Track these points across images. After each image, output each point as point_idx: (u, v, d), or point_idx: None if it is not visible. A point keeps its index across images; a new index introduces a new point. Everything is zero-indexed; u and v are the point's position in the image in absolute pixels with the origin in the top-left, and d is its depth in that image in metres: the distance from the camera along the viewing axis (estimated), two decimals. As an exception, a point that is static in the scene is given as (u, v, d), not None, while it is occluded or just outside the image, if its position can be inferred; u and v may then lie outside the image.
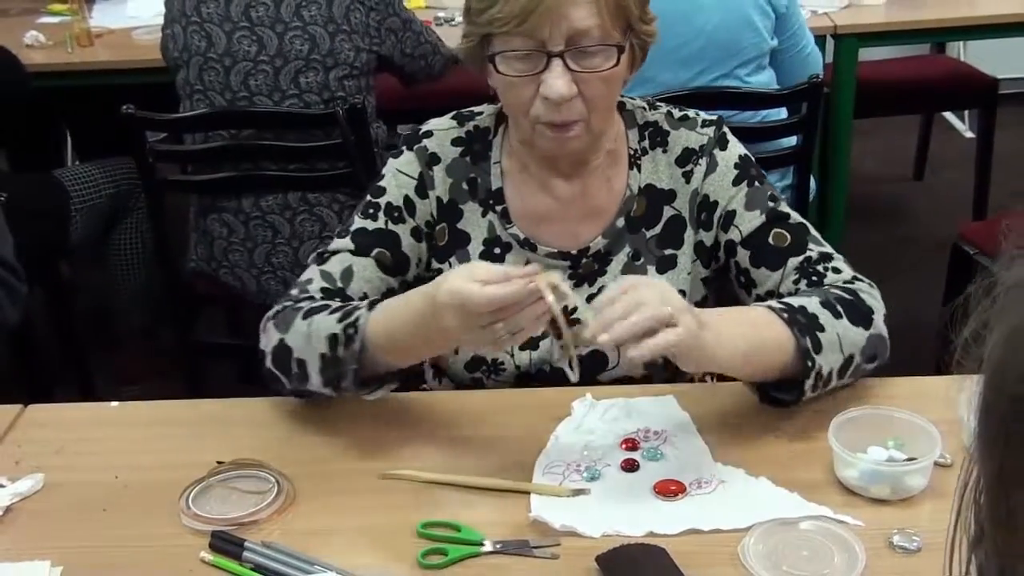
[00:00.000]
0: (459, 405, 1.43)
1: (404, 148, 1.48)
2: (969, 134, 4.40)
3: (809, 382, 1.29)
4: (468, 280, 1.17)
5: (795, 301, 1.32)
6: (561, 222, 1.46)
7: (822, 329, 1.29)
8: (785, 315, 1.29)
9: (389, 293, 1.44)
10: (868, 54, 3.22)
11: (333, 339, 1.30)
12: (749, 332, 1.27)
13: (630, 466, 1.28)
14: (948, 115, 4.60)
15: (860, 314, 1.34)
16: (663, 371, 1.44)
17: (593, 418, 1.36)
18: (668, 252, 1.46)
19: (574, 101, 1.32)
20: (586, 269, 1.46)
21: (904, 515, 1.18)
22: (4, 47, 2.83)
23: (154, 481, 1.28)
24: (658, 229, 1.46)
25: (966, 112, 4.48)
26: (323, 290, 1.42)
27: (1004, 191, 3.54)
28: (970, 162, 3.61)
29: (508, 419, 1.38)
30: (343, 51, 2.36)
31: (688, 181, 1.45)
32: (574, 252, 1.46)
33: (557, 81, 1.29)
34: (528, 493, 1.23)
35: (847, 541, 1.14)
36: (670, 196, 1.46)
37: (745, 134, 2.32)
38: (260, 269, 2.44)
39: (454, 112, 1.50)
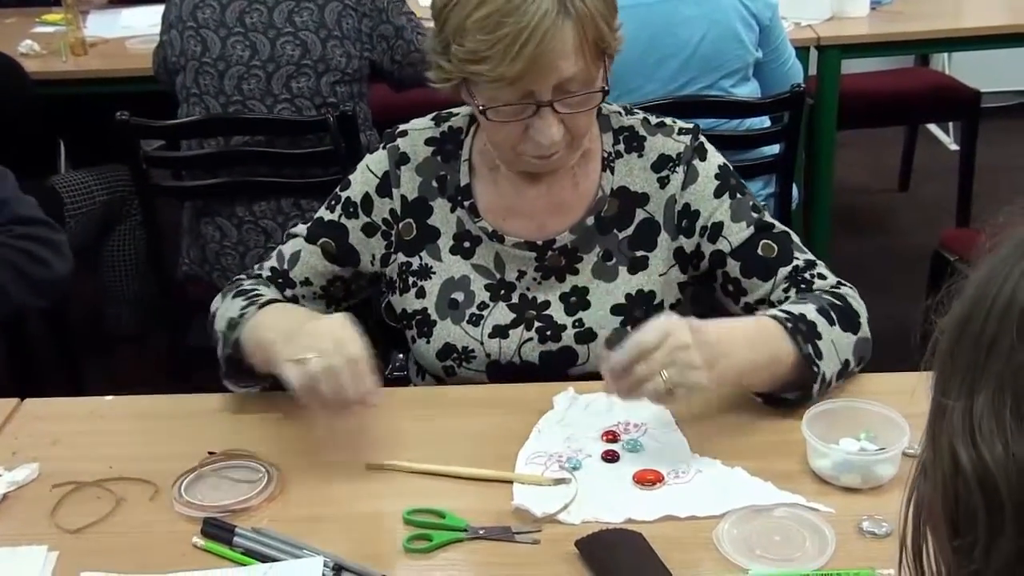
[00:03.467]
0: (443, 399, 1.48)
1: (381, 146, 1.55)
2: (954, 146, 4.45)
3: (816, 386, 1.35)
4: (341, 372, 1.24)
5: (795, 309, 1.38)
6: (527, 216, 1.51)
7: (820, 337, 1.36)
8: (789, 324, 1.35)
9: (336, 280, 1.55)
10: (852, 66, 3.27)
11: (230, 323, 1.43)
12: (755, 351, 1.33)
13: (610, 457, 1.32)
14: (933, 127, 4.65)
15: (849, 320, 1.41)
16: None
17: (575, 411, 1.39)
18: (640, 254, 1.50)
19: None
20: (552, 262, 1.50)
21: (874, 502, 1.22)
22: (6, 54, 2.86)
23: (147, 471, 1.32)
24: (630, 231, 1.50)
25: (951, 124, 4.54)
26: (272, 269, 1.55)
27: (987, 203, 3.59)
28: (954, 174, 3.66)
29: (491, 412, 1.41)
30: (335, 57, 2.40)
31: (663, 187, 1.49)
32: (539, 243, 1.50)
33: (549, 129, 1.36)
34: (511, 482, 1.27)
35: (818, 527, 1.18)
36: (643, 199, 1.50)
37: (728, 142, 2.39)
38: (251, 274, 2.46)
39: (435, 112, 1.56)
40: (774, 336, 1.34)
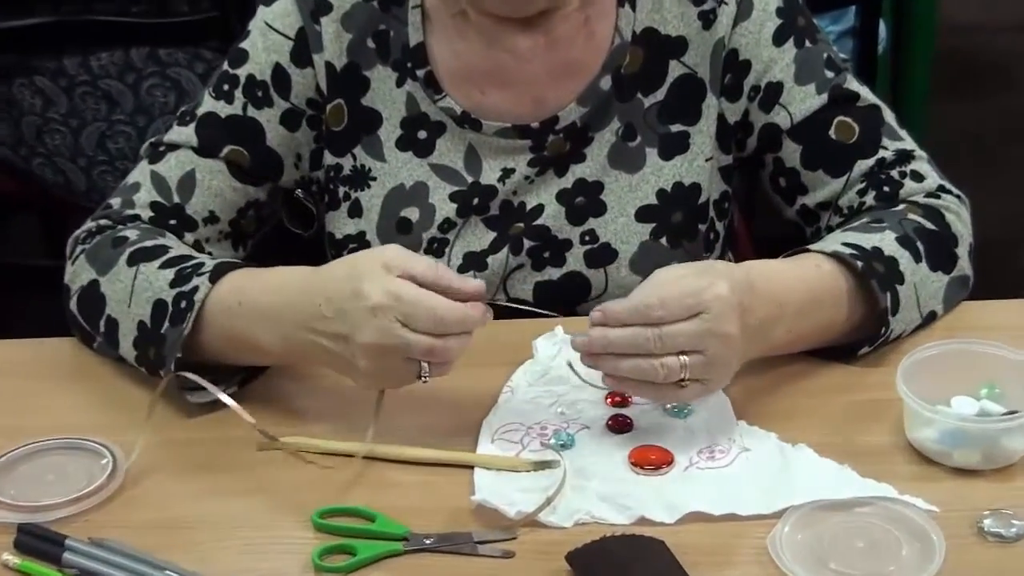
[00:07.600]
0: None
1: None
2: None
3: (866, 348, 1.37)
4: (405, 283, 1.18)
5: (865, 240, 1.37)
6: (517, 84, 1.48)
7: (901, 281, 1.37)
8: (860, 264, 1.33)
9: (249, 207, 1.50)
10: None
11: (159, 307, 1.35)
12: (808, 318, 1.33)
13: (617, 428, 1.31)
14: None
15: (943, 252, 1.41)
16: None
17: (565, 362, 1.37)
18: (677, 128, 1.49)
19: None
20: (553, 150, 1.48)
21: (1000, 490, 1.22)
22: None
23: (-69, 455, 1.32)
24: (661, 95, 1.49)
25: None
26: (153, 205, 1.48)
27: None
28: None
29: (443, 364, 1.41)
30: None
31: (707, 27, 1.48)
32: (536, 126, 1.48)
33: None
34: (471, 468, 1.27)
35: (920, 527, 1.17)
36: (679, 47, 1.48)
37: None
38: (91, 159, 2.45)
39: None
40: (839, 292, 1.34)
